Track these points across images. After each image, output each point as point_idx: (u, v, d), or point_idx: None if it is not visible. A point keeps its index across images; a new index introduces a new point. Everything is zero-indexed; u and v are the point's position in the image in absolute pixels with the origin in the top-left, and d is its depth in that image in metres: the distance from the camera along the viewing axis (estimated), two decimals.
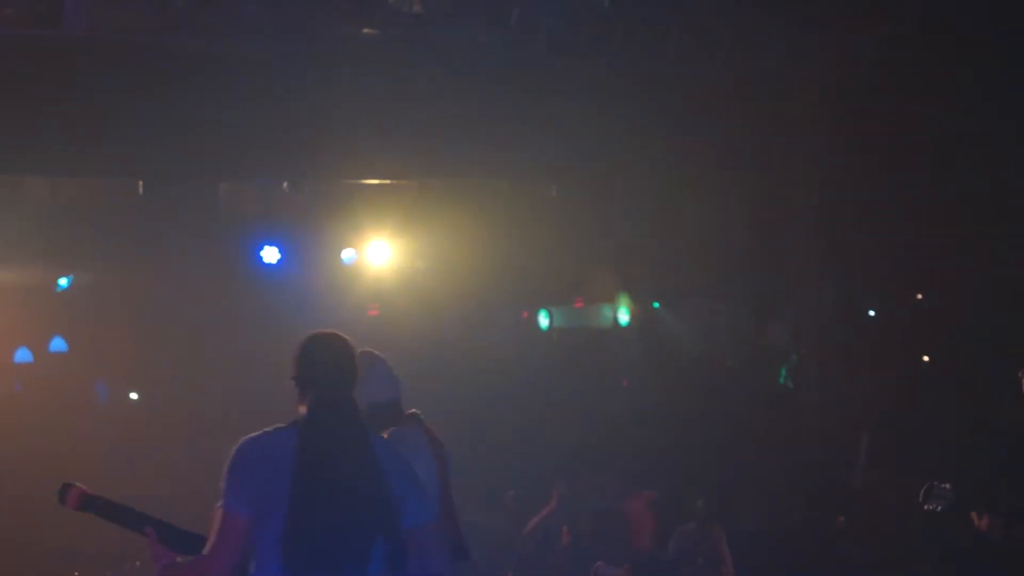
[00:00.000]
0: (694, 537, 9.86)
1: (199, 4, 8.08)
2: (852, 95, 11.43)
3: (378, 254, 11.24)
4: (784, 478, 12.12)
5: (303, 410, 3.62)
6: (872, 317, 13.42)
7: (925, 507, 5.31)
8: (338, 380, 3.65)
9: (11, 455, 10.65)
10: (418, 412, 5.22)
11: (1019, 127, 10.07)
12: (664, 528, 10.43)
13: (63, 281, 11.58)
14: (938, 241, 11.61)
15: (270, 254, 10.72)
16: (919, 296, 12.86)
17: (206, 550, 3.50)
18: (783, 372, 13.90)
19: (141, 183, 10.05)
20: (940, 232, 11.53)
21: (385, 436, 4.72)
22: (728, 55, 10.29)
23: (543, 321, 13.25)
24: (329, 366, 3.65)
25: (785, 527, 11.22)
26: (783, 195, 12.54)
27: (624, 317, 13.56)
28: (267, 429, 3.63)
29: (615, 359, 14.17)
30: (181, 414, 11.43)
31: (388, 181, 10.38)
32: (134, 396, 12.97)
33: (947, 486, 5.28)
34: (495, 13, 9.17)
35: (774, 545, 10.74)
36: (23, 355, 12.27)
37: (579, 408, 12.92)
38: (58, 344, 12.43)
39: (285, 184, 9.99)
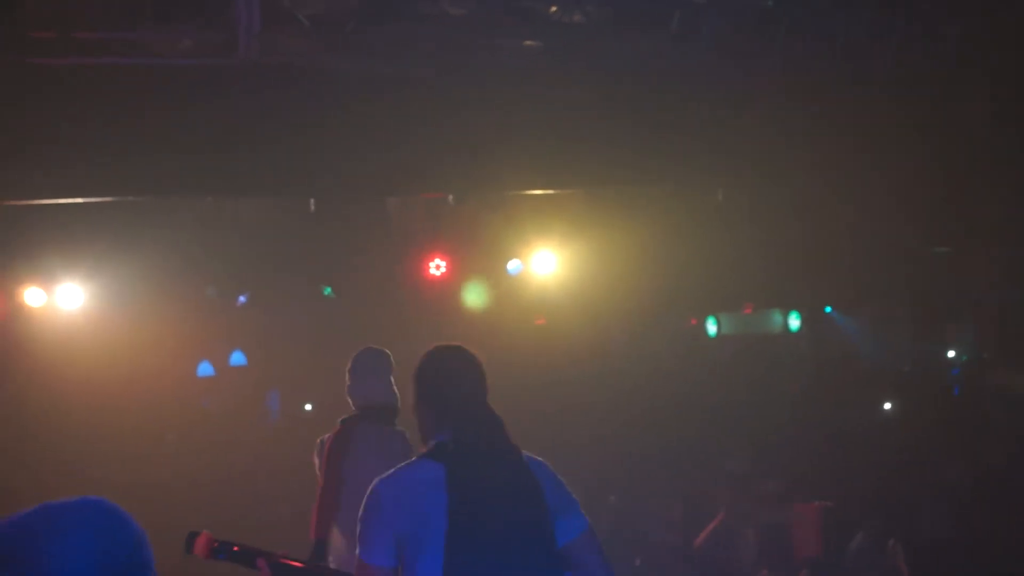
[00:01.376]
0: (870, 552, 9.56)
1: (365, 26, 8.27)
2: None
3: (544, 264, 11.29)
4: (969, 484, 11.69)
5: (437, 435, 3.25)
6: None
7: None
8: (477, 397, 3.30)
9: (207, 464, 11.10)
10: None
11: None
12: (831, 540, 10.14)
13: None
14: None
15: (437, 267, 10.90)
16: None
17: None
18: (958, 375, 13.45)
19: (312, 201, 10.35)
20: None
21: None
22: (899, 50, 9.97)
23: (711, 328, 13.08)
24: (465, 382, 3.30)
25: (971, 535, 10.81)
26: (962, 199, 12.07)
27: (795, 323, 13.29)
28: (400, 465, 3.26)
29: (785, 366, 13.91)
30: None
31: (552, 191, 10.40)
32: (308, 407, 13.37)
33: None
34: (656, 18, 9.10)
35: (960, 554, 10.36)
36: (205, 369, 12.79)
37: (748, 415, 12.73)
38: (238, 358, 12.91)
39: (450, 197, 10.12)
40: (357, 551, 3.18)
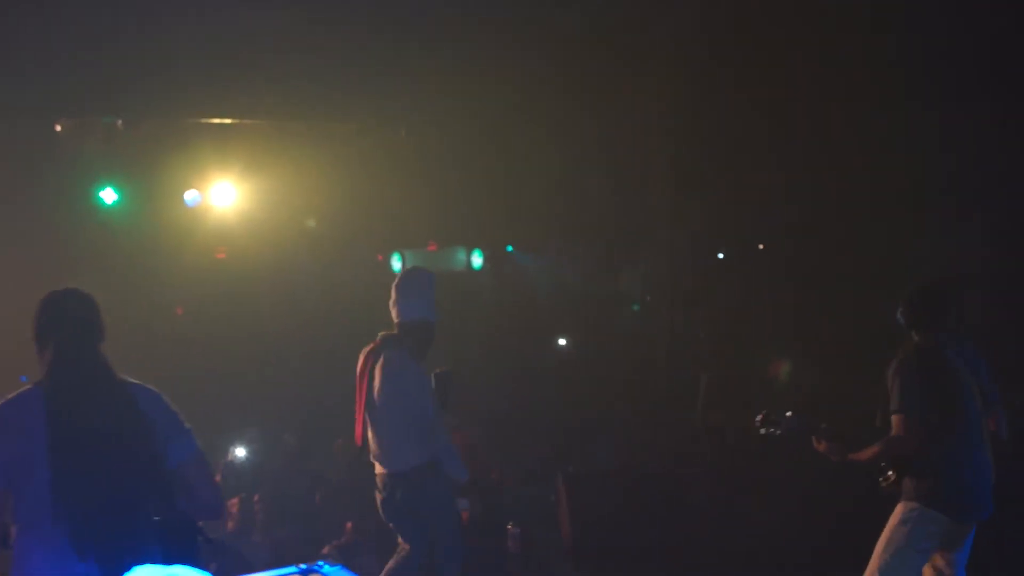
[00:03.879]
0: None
1: None
2: (710, 42, 11.49)
3: (223, 196, 10.94)
4: (637, 418, 12.34)
5: (47, 372, 3.64)
6: (721, 260, 13.70)
7: (761, 432, 5.42)
8: (78, 336, 3.69)
9: None
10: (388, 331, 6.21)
11: (879, 77, 10.23)
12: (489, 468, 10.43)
13: None
14: (787, 188, 11.86)
15: (108, 195, 10.36)
16: (760, 246, 13.14)
17: None
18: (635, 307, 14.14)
19: None
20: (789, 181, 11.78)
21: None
22: (590, 5, 10.25)
23: (396, 264, 13.14)
24: (66, 324, 3.70)
25: (637, 467, 11.43)
26: (638, 142, 12.63)
27: (477, 260, 13.56)
28: (7, 396, 3.60)
29: (469, 302, 14.18)
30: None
31: (231, 121, 10.08)
32: None
33: (788, 413, 5.39)
34: None
35: (627, 485, 10.93)
36: None
37: (433, 350, 12.89)
38: None
39: (120, 122, 9.61)
40: None
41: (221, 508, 3.90)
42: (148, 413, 3.65)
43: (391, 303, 6.45)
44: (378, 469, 6.32)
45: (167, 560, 3.46)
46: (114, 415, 3.59)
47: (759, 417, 5.41)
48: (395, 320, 6.40)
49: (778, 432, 5.38)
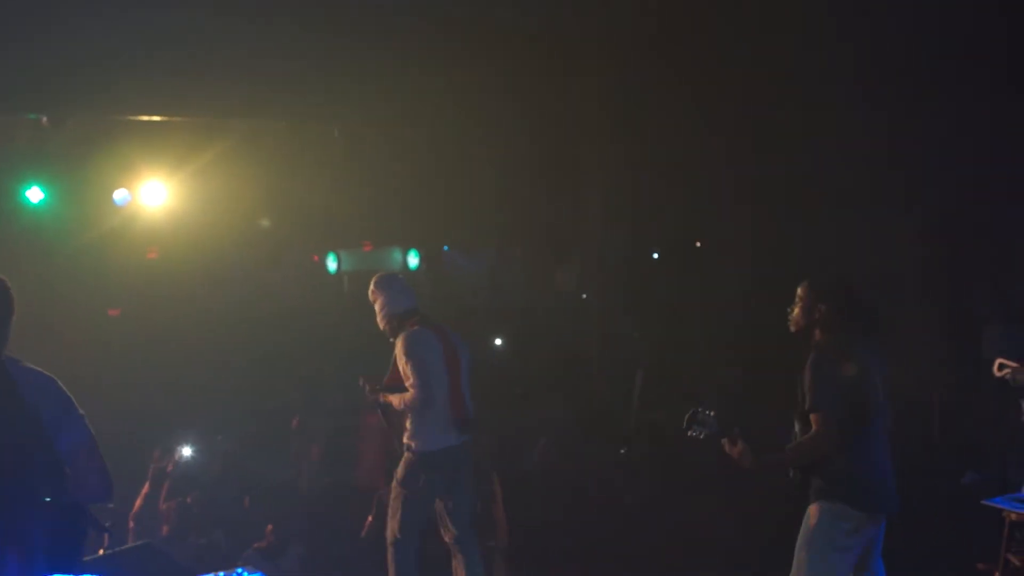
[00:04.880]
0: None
1: None
2: (635, 39, 11.52)
3: (154, 195, 10.76)
4: (572, 419, 12.34)
5: None
6: (656, 260, 13.80)
7: (689, 433, 5.42)
8: None
9: None
10: (427, 315, 6.96)
11: (798, 76, 10.32)
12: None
13: None
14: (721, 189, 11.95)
15: (35, 194, 10.14)
16: (697, 243, 13.24)
17: None
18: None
19: None
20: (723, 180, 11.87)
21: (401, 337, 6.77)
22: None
23: (331, 264, 13.04)
24: None
25: (571, 466, 11.43)
26: (570, 143, 12.64)
27: (414, 260, 13.51)
28: None
29: None
30: None
31: (159, 118, 9.91)
32: None
33: (711, 413, 5.39)
34: None
35: (559, 484, 10.93)
36: None
37: (368, 350, 12.80)
38: None
39: (44, 119, 9.40)
40: None
41: (109, 496, 3.80)
42: (33, 396, 3.65)
43: (383, 301, 6.97)
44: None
45: (53, 543, 3.61)
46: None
47: (687, 416, 5.42)
48: (391, 312, 6.93)
49: (703, 434, 5.39)
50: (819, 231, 11.00)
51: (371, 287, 7.09)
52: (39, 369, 3.80)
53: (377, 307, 6.99)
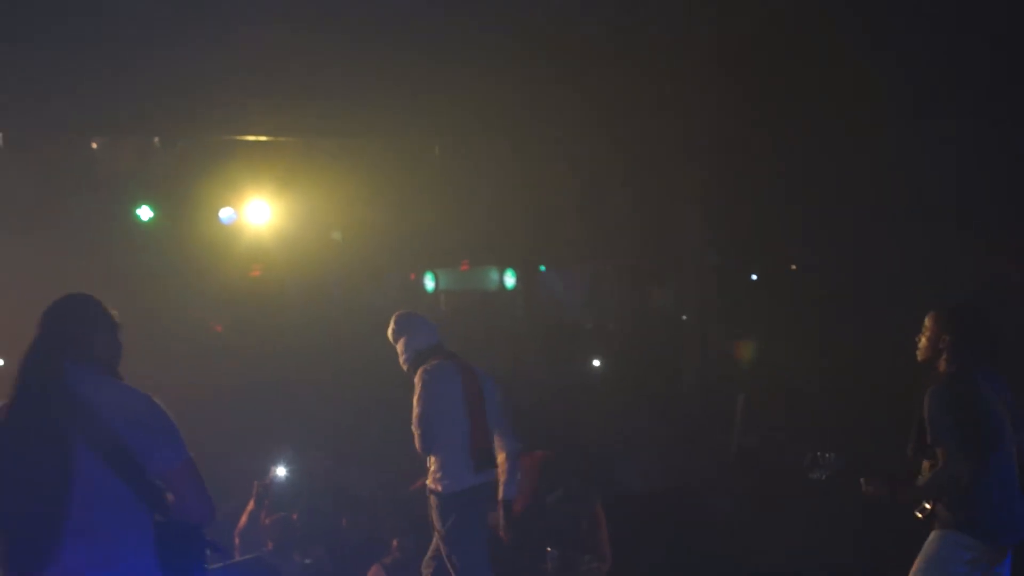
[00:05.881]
0: (570, 504, 9.78)
1: None
2: (738, 64, 11.45)
3: (258, 213, 10.98)
4: (669, 440, 12.25)
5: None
6: (755, 282, 13.64)
7: (810, 476, 5.35)
8: (47, 342, 3.70)
9: None
10: (451, 351, 6.54)
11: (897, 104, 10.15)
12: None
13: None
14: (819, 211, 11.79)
15: (144, 212, 10.43)
16: (793, 267, 13.07)
17: None
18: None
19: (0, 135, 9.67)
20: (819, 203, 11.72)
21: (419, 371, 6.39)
22: (616, 15, 10.21)
23: (429, 283, 13.15)
24: (43, 330, 3.73)
25: (671, 488, 11.34)
26: (669, 164, 12.59)
27: (510, 280, 13.55)
28: None
29: (502, 322, 14.16)
30: None
31: (264, 138, 10.12)
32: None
33: (830, 455, 5.32)
34: None
35: (660, 507, 10.85)
36: None
37: None
38: None
39: (156, 140, 9.67)
40: None
41: (208, 518, 3.75)
42: (124, 424, 3.60)
43: (405, 340, 6.61)
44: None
45: (165, 565, 3.64)
46: (49, 436, 3.55)
47: (807, 459, 5.34)
48: (414, 350, 6.56)
49: (824, 476, 5.31)
50: (927, 248, 10.78)
51: (390, 326, 6.72)
52: (133, 388, 3.76)
53: (399, 348, 6.62)
